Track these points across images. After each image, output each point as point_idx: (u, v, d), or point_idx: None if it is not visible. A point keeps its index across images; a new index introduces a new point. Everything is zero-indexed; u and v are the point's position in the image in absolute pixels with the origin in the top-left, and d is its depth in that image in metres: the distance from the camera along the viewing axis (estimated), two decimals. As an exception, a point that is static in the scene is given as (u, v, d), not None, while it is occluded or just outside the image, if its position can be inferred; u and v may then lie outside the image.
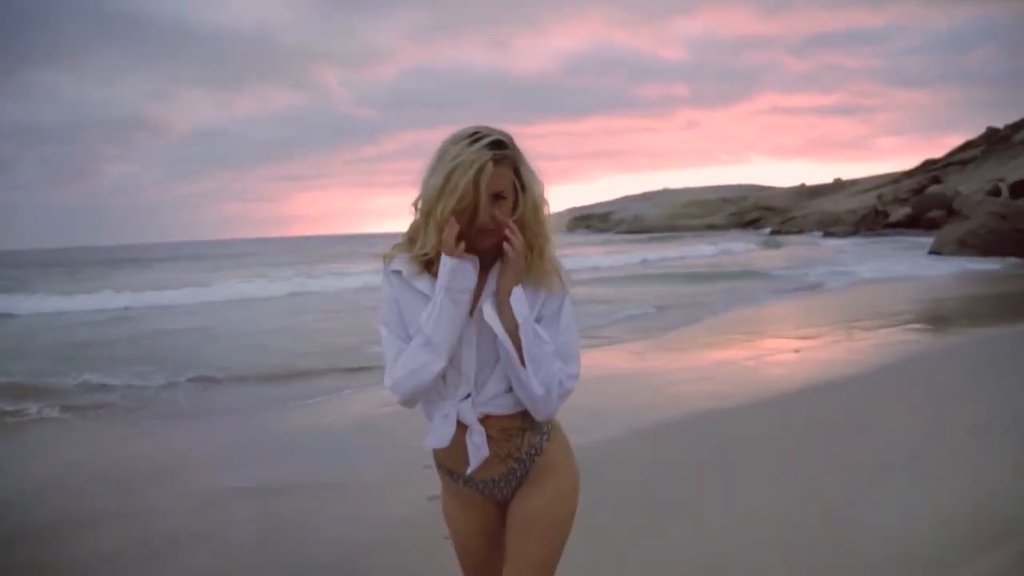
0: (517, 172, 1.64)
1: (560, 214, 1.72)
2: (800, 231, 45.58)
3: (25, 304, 16.43)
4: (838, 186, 64.19)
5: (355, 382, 6.77)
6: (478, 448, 1.63)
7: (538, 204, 1.66)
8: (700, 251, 28.71)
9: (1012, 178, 30.21)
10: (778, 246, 32.92)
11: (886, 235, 34.69)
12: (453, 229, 1.60)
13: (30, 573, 3.14)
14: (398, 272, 1.69)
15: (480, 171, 1.56)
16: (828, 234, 40.35)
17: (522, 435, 1.68)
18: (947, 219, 27.41)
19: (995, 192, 27.03)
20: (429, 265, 1.66)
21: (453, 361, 1.65)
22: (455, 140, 1.61)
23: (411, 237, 1.69)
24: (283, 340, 10.06)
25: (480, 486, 1.72)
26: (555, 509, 1.68)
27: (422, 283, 1.67)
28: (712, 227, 62.24)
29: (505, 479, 1.70)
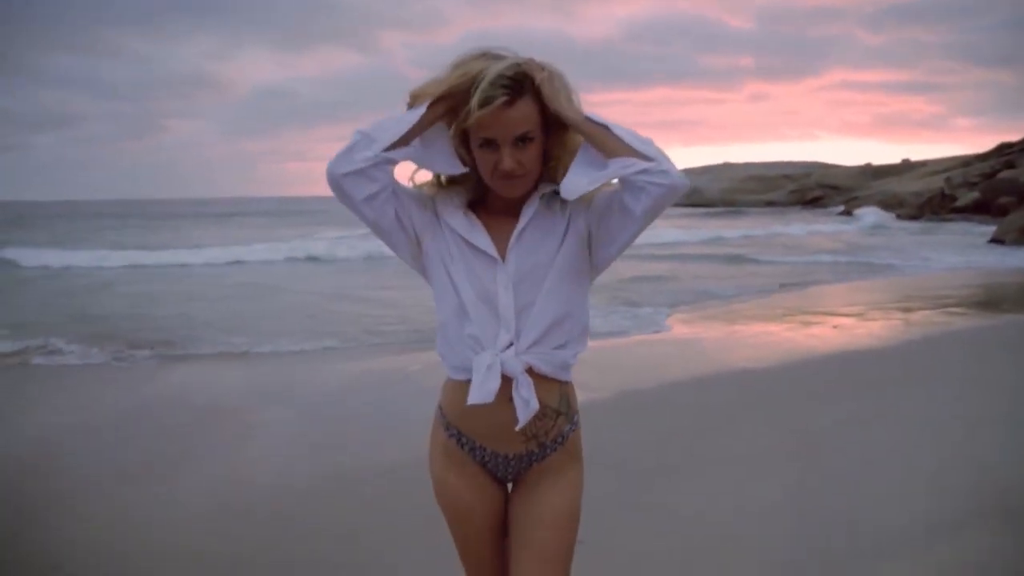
0: (542, 104, 1.46)
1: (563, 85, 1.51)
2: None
3: (114, 257, 17.48)
4: (905, 167, 62.38)
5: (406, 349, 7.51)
6: (526, 402, 1.46)
7: (576, 119, 1.47)
8: (791, 231, 27.81)
9: (1089, 165, 29.19)
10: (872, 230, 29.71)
11: (951, 220, 33.92)
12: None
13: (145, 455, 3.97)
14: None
15: (487, 102, 1.40)
16: (900, 216, 39.44)
17: (555, 419, 1.55)
18: (1018, 206, 26.72)
19: (1070, 180, 26.24)
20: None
21: (490, 306, 1.50)
22: (472, 59, 1.47)
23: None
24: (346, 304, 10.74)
25: (489, 459, 1.57)
26: (577, 499, 1.60)
27: (455, 216, 1.56)
28: (772, 204, 61.28)
29: (518, 460, 1.56)
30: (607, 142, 1.46)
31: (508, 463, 1.57)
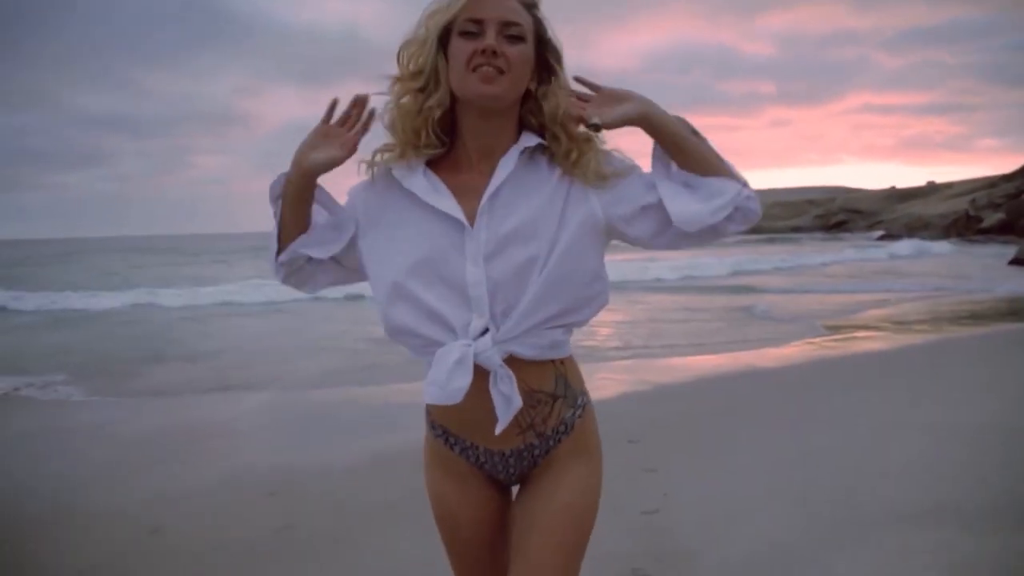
0: (539, 26, 1.28)
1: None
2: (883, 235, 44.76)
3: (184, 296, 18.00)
4: (930, 189, 62.38)
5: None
6: (508, 400, 1.23)
7: (567, 81, 1.31)
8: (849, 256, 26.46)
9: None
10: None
11: (977, 241, 34.09)
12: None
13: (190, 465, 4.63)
14: (383, 180, 1.31)
15: None
16: (925, 238, 39.63)
17: (552, 405, 1.31)
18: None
19: (1094, 199, 26.44)
20: (415, 139, 1.27)
21: (455, 283, 1.23)
22: None
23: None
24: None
25: (484, 458, 1.34)
26: (582, 503, 1.33)
27: (413, 177, 1.27)
28: (797, 229, 61.54)
29: (518, 456, 1.33)
30: (704, 157, 1.29)
31: (507, 461, 1.34)
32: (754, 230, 63.06)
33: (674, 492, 3.55)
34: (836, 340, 8.55)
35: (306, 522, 3.35)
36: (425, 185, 1.27)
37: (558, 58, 1.30)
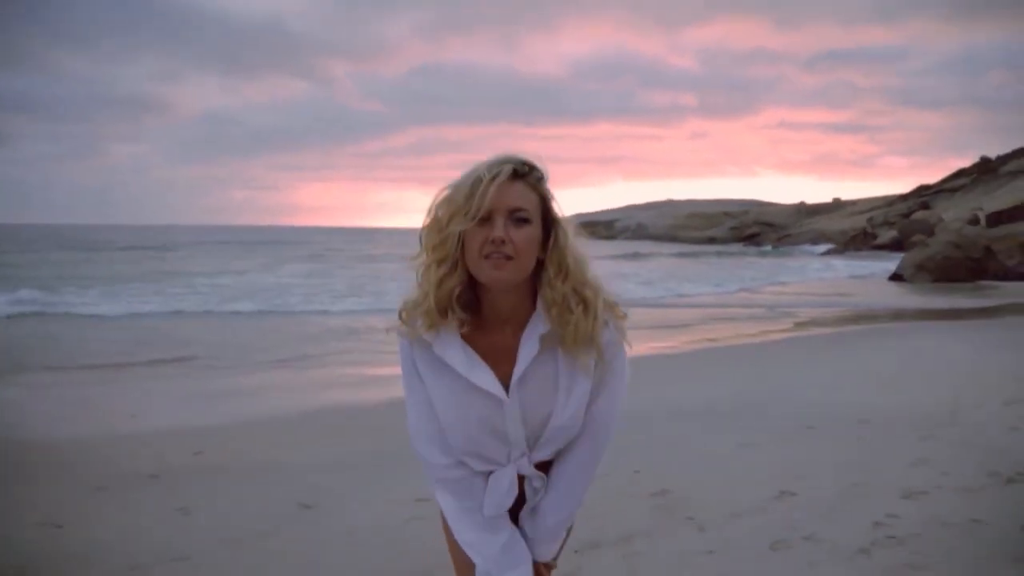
0: (544, 201, 1.45)
1: (569, 219, 1.49)
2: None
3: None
4: (835, 206, 65.81)
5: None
6: (536, 492, 1.57)
7: (574, 244, 1.46)
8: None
9: (990, 207, 31.89)
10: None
11: (872, 256, 36.16)
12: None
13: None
14: (424, 343, 1.47)
15: (495, 178, 1.37)
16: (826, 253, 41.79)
17: None
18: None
19: (974, 220, 28.44)
20: (444, 314, 1.43)
21: (496, 433, 1.49)
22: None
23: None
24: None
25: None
26: None
27: (450, 350, 1.46)
28: (712, 240, 63.77)
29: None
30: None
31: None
32: (672, 239, 64.90)
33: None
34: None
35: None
36: (463, 359, 1.45)
37: (560, 230, 1.45)
